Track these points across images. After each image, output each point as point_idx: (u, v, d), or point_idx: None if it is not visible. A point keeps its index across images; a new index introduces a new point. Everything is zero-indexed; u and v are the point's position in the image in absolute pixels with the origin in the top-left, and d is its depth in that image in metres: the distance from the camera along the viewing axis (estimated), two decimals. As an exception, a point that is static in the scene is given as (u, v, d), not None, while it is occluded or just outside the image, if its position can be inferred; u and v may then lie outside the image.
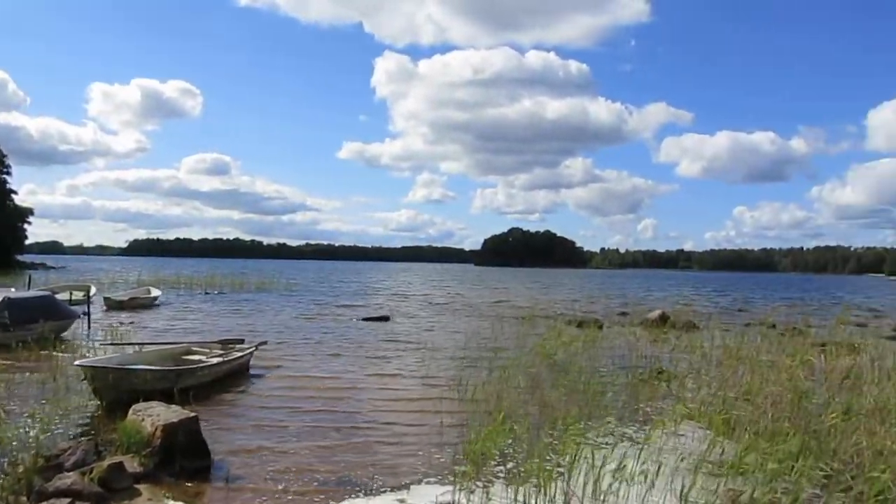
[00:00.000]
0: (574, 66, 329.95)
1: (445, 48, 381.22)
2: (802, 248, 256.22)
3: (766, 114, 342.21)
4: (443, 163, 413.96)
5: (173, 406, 6.00)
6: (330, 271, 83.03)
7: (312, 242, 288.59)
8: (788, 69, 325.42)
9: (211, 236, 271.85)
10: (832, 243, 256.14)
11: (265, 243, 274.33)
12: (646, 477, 4.68)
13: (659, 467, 4.75)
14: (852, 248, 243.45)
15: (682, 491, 4.48)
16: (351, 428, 7.08)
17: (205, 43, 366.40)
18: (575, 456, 5.05)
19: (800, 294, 46.61)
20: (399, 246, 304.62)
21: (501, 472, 5.48)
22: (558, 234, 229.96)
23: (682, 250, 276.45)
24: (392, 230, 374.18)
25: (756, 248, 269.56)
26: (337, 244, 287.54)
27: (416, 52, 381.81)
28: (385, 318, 19.59)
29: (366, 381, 9.78)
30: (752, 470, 4.79)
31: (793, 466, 4.71)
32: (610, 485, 4.54)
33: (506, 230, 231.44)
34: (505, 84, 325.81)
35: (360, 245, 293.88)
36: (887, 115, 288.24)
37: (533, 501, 4.53)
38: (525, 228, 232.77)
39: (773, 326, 14.38)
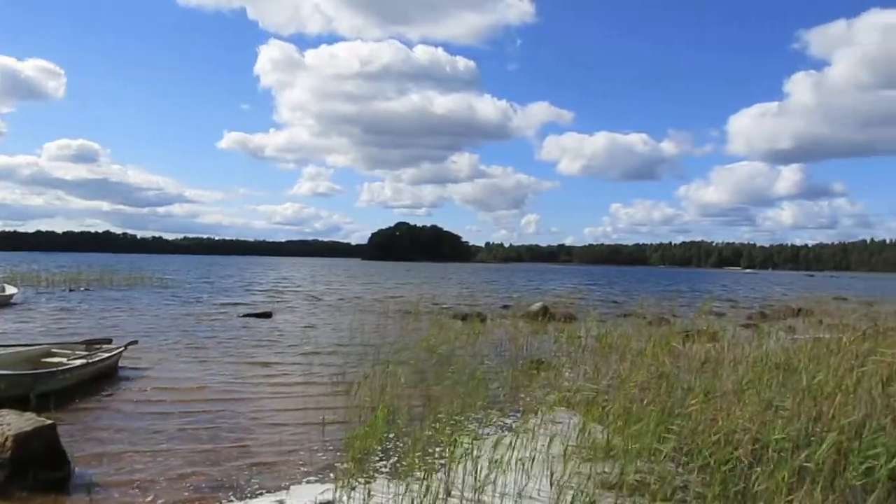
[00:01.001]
0: (462, 62, 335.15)
1: (332, 39, 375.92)
2: (671, 243, 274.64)
3: (641, 116, 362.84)
4: (329, 156, 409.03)
5: (27, 414, 5.51)
6: (209, 266, 79.66)
7: (191, 236, 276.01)
8: (660, 75, 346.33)
9: (77, 229, 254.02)
10: (697, 239, 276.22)
11: (139, 237, 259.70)
12: (523, 464, 4.82)
13: (534, 455, 4.91)
14: (714, 244, 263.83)
15: (552, 476, 4.64)
16: (227, 430, 6.80)
17: (70, 19, 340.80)
18: (456, 447, 5.12)
19: (667, 286, 49.75)
20: (284, 240, 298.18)
21: (384, 467, 5.47)
22: (445, 229, 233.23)
23: (563, 245, 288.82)
24: (277, 224, 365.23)
25: (630, 243, 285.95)
26: (217, 238, 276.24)
27: (302, 42, 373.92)
28: (267, 315, 19.02)
29: (245, 380, 9.44)
30: (621, 452, 5.05)
31: (657, 447, 5.02)
32: (487, 475, 4.63)
33: (393, 224, 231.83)
34: (393, 77, 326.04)
35: (243, 239, 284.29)
36: (745, 122, 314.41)
37: (414, 495, 4.55)
38: (412, 223, 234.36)
39: (644, 316, 15.28)
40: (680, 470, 5.01)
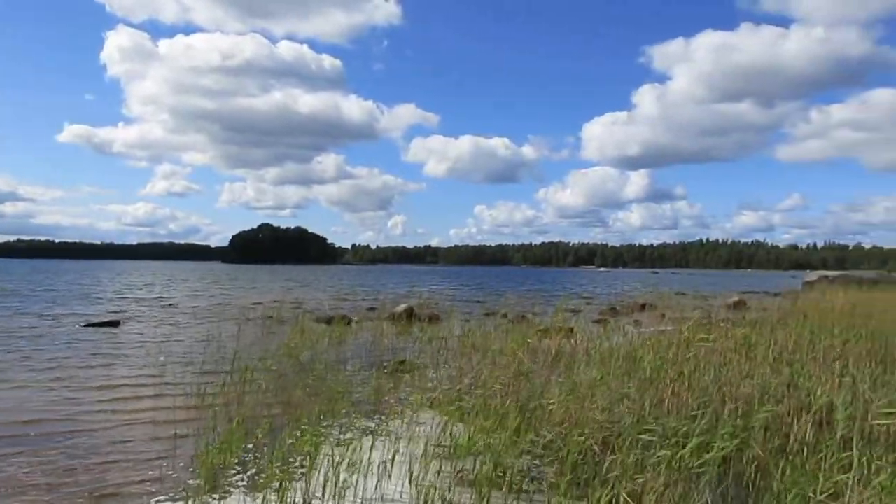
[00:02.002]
0: (328, 60, 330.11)
1: (190, 29, 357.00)
2: (532, 244, 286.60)
3: (503, 121, 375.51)
4: (186, 153, 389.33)
5: None
6: (47, 271, 72.84)
7: (25, 238, 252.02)
8: (521, 82, 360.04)
9: None
10: (555, 239, 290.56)
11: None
12: (384, 467, 4.80)
13: (396, 457, 4.91)
14: (571, 244, 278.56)
15: (411, 476, 4.66)
16: (68, 450, 6.22)
17: None
18: (316, 454, 5.01)
19: (529, 285, 51.77)
20: (135, 242, 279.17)
21: (241, 480, 5.23)
22: (310, 231, 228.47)
23: (430, 246, 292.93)
24: (127, 225, 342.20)
25: (493, 244, 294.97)
26: (58, 240, 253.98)
27: (155, 30, 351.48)
28: (114, 324, 17.67)
29: (89, 394, 8.71)
30: (480, 449, 5.16)
31: (515, 441, 5.19)
32: (345, 480, 4.57)
33: (256, 226, 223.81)
34: (255, 73, 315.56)
35: (88, 241, 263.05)
36: (597, 130, 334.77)
37: (272, 506, 4.39)
38: (276, 224, 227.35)
39: (505, 315, 15.78)
40: (537, 462, 5.21)
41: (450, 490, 4.52)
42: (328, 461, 4.81)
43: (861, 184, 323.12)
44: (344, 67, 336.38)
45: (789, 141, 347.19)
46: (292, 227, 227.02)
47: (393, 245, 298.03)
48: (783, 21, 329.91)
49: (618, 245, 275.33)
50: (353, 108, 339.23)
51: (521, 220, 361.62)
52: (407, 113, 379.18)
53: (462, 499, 4.47)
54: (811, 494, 3.73)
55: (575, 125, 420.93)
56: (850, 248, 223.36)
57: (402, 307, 18.64)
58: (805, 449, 4.84)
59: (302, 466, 5.16)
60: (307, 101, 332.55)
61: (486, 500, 4.41)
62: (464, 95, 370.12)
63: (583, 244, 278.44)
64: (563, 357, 8.54)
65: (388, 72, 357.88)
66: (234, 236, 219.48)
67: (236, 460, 5.53)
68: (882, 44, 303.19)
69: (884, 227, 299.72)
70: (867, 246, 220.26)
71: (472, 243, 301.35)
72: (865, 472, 4.04)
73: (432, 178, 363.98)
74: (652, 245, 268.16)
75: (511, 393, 6.34)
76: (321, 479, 4.63)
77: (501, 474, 4.80)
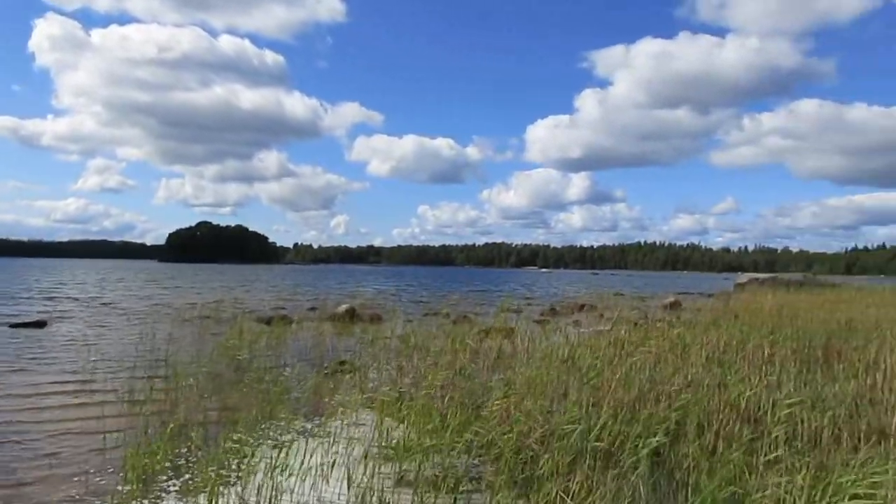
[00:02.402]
0: (270, 56, 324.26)
1: (124, 19, 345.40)
2: (475, 245, 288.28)
3: (447, 122, 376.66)
4: (121, 148, 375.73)
5: None
6: (-31, 271, 69.27)
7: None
8: (465, 83, 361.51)
9: None
10: (498, 240, 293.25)
11: None
12: (322, 469, 4.75)
13: (334, 459, 4.86)
14: (514, 245, 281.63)
15: (350, 478, 4.62)
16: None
17: None
18: (252, 458, 4.92)
19: (472, 286, 52.07)
20: (66, 240, 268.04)
21: (174, 486, 5.08)
22: (251, 229, 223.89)
23: (373, 246, 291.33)
24: (57, 221, 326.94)
25: (437, 244, 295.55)
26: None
27: (88, 20, 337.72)
28: (41, 324, 16.92)
29: (12, 399, 8.30)
30: (420, 450, 5.15)
31: (455, 441, 5.20)
32: (281, 483, 4.50)
33: (194, 224, 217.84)
34: (194, 67, 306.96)
35: (14, 238, 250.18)
36: (541, 132, 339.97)
37: (206, 512, 4.28)
38: (215, 222, 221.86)
39: (448, 315, 15.83)
40: (477, 462, 5.23)
41: (389, 491, 4.50)
42: (264, 464, 4.73)
43: (789, 190, 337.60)
44: (287, 64, 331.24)
45: (723, 147, 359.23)
46: (232, 225, 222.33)
47: (336, 245, 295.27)
48: (719, 31, 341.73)
49: (559, 246, 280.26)
50: (297, 105, 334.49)
51: (465, 221, 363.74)
52: (351, 111, 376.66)
53: (401, 500, 4.45)
54: (738, 490, 3.86)
55: (519, 127, 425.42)
56: (779, 251, 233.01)
57: (343, 307, 18.48)
58: (733, 445, 5.01)
59: (237, 470, 5.05)
60: (249, 97, 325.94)
61: (424, 501, 4.40)
62: (408, 95, 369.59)
63: (525, 245, 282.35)
64: (503, 357, 8.62)
65: (332, 69, 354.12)
66: (171, 234, 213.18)
67: (169, 465, 5.37)
68: (810, 56, 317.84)
69: (809, 232, 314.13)
70: (794, 249, 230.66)
71: (415, 243, 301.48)
72: (788, 466, 4.21)
73: (376, 177, 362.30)
74: (592, 246, 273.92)
75: (451, 393, 6.36)
76: (257, 482, 4.54)
77: (441, 475, 4.81)
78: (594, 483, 4.25)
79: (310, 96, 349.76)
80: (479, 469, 5.08)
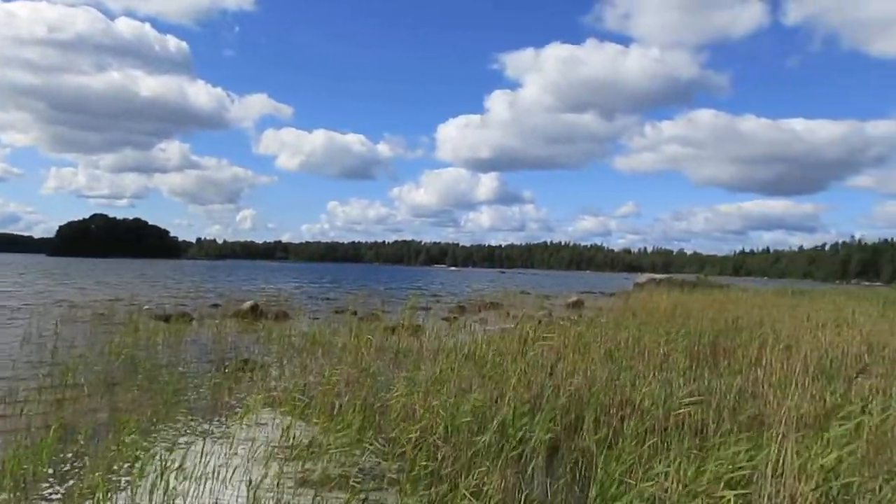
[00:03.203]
0: (173, 42, 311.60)
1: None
2: (385, 242, 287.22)
3: (358, 117, 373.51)
4: (5, 132, 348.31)
5: None
6: None
7: None
8: (378, 80, 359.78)
9: None
10: (408, 238, 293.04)
11: None
12: (220, 472, 4.60)
13: (234, 460, 4.72)
14: (423, 243, 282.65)
15: (251, 480, 4.50)
16: None
17: None
18: (144, 461, 4.70)
19: (381, 283, 51.86)
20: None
21: (56, 494, 4.77)
22: (150, 223, 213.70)
23: (280, 241, 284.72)
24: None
25: (346, 241, 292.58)
26: None
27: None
28: None
29: None
30: (323, 449, 5.09)
31: (359, 440, 5.17)
32: (175, 487, 4.32)
33: (87, 216, 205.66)
34: (89, 50, 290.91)
35: None
36: (452, 131, 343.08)
37: (92, 520, 4.06)
38: (111, 215, 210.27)
39: (355, 313, 15.70)
40: (380, 460, 5.22)
41: (290, 492, 4.41)
42: (157, 468, 4.53)
43: (685, 195, 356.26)
44: (191, 51, 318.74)
45: (626, 152, 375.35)
46: (130, 218, 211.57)
47: (241, 240, 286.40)
48: (624, 40, 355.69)
49: (468, 245, 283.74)
50: (201, 94, 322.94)
51: (375, 218, 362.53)
52: (259, 103, 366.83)
53: (302, 501, 4.38)
54: (629, 480, 4.03)
55: (430, 125, 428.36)
56: (675, 253, 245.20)
57: (247, 304, 17.97)
58: (626, 437, 5.24)
59: (128, 475, 4.81)
60: (149, 84, 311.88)
61: (326, 500, 4.35)
62: (319, 89, 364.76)
63: (435, 243, 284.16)
64: (410, 354, 8.64)
65: (240, 59, 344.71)
66: (61, 226, 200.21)
67: (51, 470, 5.04)
68: (707, 68, 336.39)
69: (702, 236, 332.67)
70: (689, 252, 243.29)
71: (324, 240, 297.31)
72: (676, 457, 4.44)
73: (284, 171, 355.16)
74: (501, 246, 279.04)
75: (355, 390, 6.31)
76: (148, 487, 4.34)
77: (343, 474, 4.77)
78: (494, 476, 4.33)
79: (215, 86, 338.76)
80: (383, 466, 5.07)
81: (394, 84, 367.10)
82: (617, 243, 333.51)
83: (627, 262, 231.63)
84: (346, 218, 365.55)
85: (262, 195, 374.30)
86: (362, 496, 4.44)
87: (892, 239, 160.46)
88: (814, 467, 3.73)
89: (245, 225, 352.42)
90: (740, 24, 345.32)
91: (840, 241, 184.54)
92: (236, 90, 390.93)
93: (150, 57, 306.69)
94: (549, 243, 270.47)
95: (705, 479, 3.52)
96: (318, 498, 4.38)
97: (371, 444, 5.23)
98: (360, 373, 6.90)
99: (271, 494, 4.31)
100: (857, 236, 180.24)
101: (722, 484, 3.55)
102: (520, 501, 3.70)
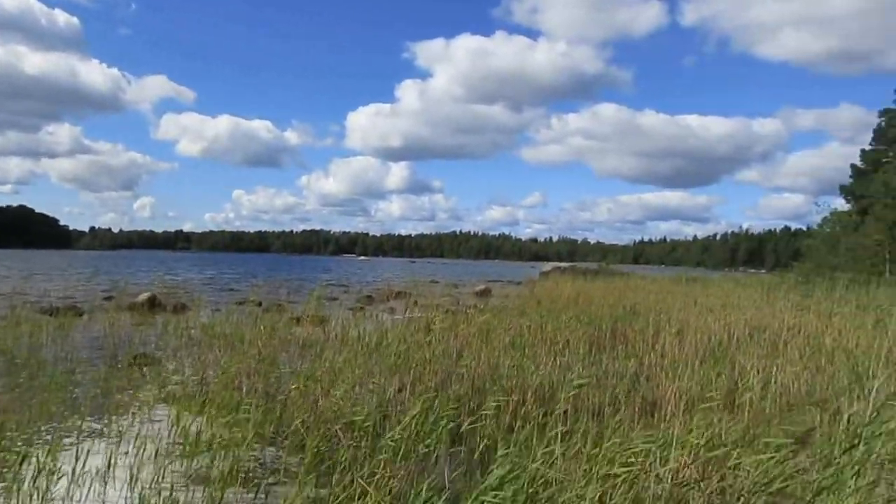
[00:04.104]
0: (62, 16, 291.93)
1: None
2: (293, 231, 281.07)
3: (265, 103, 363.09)
4: None
5: None
6: None
7: None
8: (285, 64, 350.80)
9: None
10: (317, 227, 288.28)
11: None
12: (108, 472, 4.36)
13: (121, 459, 4.49)
14: (332, 232, 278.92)
15: (140, 480, 4.30)
16: None
17: None
18: (23, 463, 4.38)
19: (288, 273, 50.77)
20: None
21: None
22: (37, 211, 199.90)
23: (182, 231, 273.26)
24: None
25: (252, 231, 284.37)
26: None
27: None
28: None
29: None
30: (221, 444, 4.92)
31: (258, 433, 5.03)
32: (57, 490, 4.06)
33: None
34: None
35: None
36: (362, 120, 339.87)
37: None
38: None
39: (260, 304, 15.29)
40: (281, 453, 5.10)
41: (182, 490, 4.24)
42: (34, 470, 4.23)
43: (589, 186, 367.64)
44: (83, 27, 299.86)
45: (533, 144, 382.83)
46: (14, 205, 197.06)
47: (139, 229, 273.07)
48: (532, 33, 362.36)
49: (378, 234, 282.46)
50: (94, 73, 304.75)
51: (282, 207, 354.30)
52: (158, 85, 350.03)
53: (195, 498, 4.21)
54: (526, 463, 4.11)
55: (339, 113, 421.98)
56: (579, 242, 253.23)
57: (144, 296, 17.16)
58: (527, 422, 5.35)
59: (3, 480, 4.48)
60: (35, 62, 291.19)
61: (224, 497, 4.20)
62: (223, 73, 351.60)
63: (344, 233, 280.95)
64: (315, 345, 8.49)
65: (137, 38, 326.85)
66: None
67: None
68: (611, 63, 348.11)
69: (605, 226, 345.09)
70: (592, 241, 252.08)
71: (229, 229, 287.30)
72: (574, 439, 4.57)
73: (186, 157, 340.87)
74: (411, 235, 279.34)
75: (256, 383, 6.15)
76: (23, 492, 4.05)
77: (242, 469, 4.63)
78: (395, 466, 4.32)
79: (110, 66, 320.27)
80: (284, 460, 4.96)
81: (303, 70, 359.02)
82: (524, 233, 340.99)
83: (534, 251, 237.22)
84: (252, 207, 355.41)
85: (162, 182, 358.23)
86: (260, 490, 4.33)
87: (775, 230, 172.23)
88: (698, 443, 3.93)
89: (143, 213, 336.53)
90: (642, 22, 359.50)
91: (729, 231, 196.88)
92: (133, 71, 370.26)
93: (36, 32, 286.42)
94: (458, 233, 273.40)
95: (599, 458, 3.64)
96: (215, 495, 4.23)
97: (272, 438, 5.10)
98: (261, 365, 6.71)
99: (161, 492, 4.12)
100: (745, 227, 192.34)
101: (616, 464, 3.68)
102: (420, 489, 3.71)
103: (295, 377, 6.29)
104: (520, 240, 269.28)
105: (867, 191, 36.45)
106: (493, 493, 3.38)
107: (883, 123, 41.40)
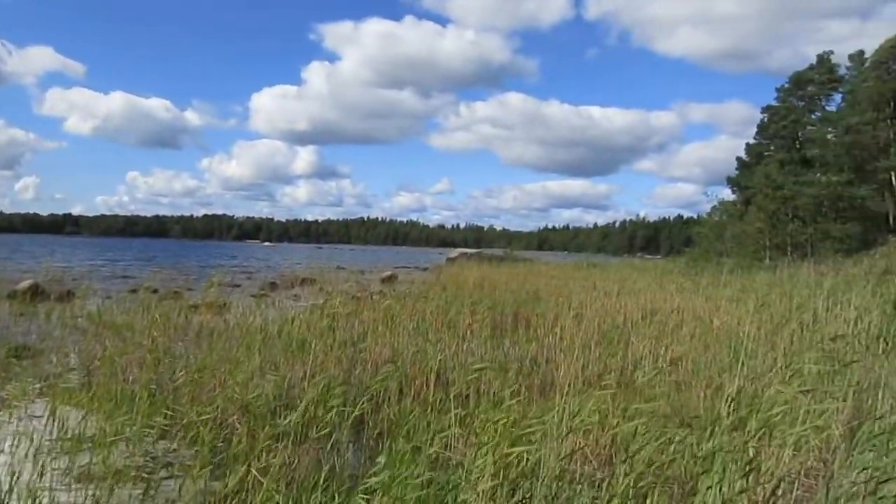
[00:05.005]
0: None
1: None
2: (193, 216, 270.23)
3: (163, 81, 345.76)
4: None
5: None
6: None
7: None
8: (186, 41, 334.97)
9: None
10: (219, 212, 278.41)
11: None
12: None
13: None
14: (235, 217, 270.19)
15: (17, 478, 4.02)
16: None
17: None
18: None
19: (188, 259, 48.85)
20: None
21: None
22: None
23: (70, 214, 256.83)
24: None
25: (149, 215, 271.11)
26: None
27: None
28: None
29: None
30: (108, 439, 4.67)
31: (149, 426, 4.82)
32: None
33: None
34: None
35: None
36: (267, 101, 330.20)
37: None
38: None
39: (155, 291, 14.62)
40: (174, 446, 4.91)
41: (64, 489, 4.00)
42: None
43: (496, 174, 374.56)
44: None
45: (442, 130, 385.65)
46: None
47: (22, 212, 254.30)
48: (441, 20, 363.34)
49: (284, 220, 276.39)
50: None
51: (182, 191, 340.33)
52: (43, 57, 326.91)
53: (78, 497, 3.99)
54: (424, 445, 4.15)
55: (244, 94, 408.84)
56: (485, 228, 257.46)
57: (25, 283, 16.01)
58: (428, 406, 5.40)
59: None
60: None
61: (110, 495, 4.00)
62: (116, 47, 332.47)
63: (248, 218, 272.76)
64: (213, 333, 8.21)
65: (18, 4, 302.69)
66: None
67: None
68: (518, 53, 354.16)
69: (511, 213, 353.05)
70: (498, 228, 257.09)
71: (123, 213, 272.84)
72: (472, 421, 4.65)
73: (75, 136, 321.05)
74: (318, 221, 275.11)
75: (147, 373, 5.88)
76: None
77: (131, 464, 4.42)
78: (295, 455, 4.25)
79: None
80: (177, 453, 4.77)
81: (204, 46, 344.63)
82: (432, 219, 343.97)
83: (442, 237, 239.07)
84: (148, 190, 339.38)
85: (48, 162, 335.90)
86: (150, 485, 4.15)
87: (669, 217, 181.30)
88: (589, 421, 4.09)
89: (26, 195, 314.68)
90: (547, 13, 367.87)
91: (628, 218, 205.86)
92: (15, 41, 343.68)
93: None
94: (366, 219, 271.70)
95: (497, 438, 3.72)
96: (99, 493, 4.01)
97: (164, 430, 4.89)
98: (152, 354, 6.42)
99: (39, 492, 3.87)
100: (642, 214, 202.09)
101: (511, 442, 3.76)
102: (318, 476, 3.67)
103: (190, 367, 6.06)
104: (427, 226, 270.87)
105: (750, 182, 38.96)
106: (387, 474, 3.39)
107: (765, 119, 44.33)
